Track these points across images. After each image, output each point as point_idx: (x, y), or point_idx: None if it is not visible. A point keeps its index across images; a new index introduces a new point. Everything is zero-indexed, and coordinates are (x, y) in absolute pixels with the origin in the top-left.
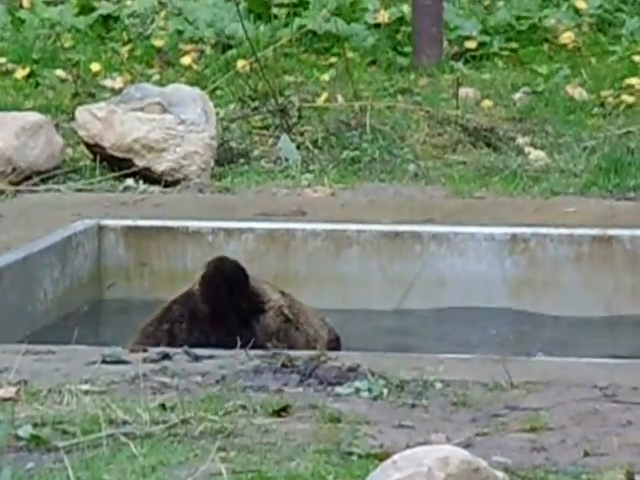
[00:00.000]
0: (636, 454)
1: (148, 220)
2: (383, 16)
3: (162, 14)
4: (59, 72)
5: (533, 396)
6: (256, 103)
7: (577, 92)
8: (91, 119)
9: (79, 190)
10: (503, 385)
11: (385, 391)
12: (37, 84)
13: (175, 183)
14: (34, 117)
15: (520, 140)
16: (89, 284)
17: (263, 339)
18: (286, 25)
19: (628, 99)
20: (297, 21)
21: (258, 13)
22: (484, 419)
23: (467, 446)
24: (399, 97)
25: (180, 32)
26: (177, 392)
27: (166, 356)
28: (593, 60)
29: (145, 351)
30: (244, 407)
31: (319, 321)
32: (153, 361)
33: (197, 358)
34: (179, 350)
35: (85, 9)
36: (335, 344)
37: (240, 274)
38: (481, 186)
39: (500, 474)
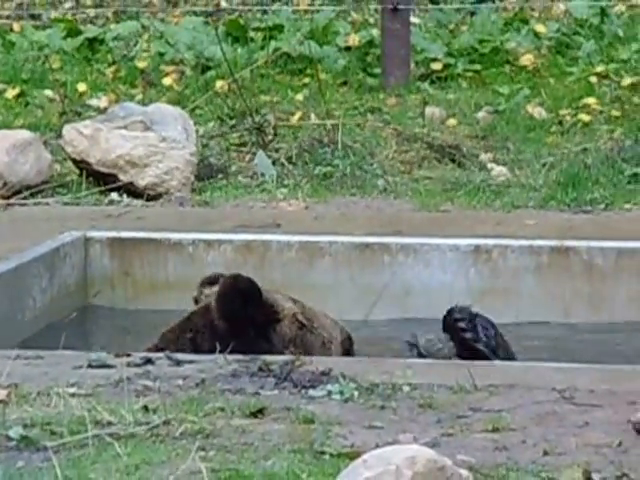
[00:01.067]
0: (593, 454)
1: (131, 232)
2: (354, 39)
3: (145, 37)
4: (47, 92)
5: (495, 398)
6: (234, 121)
7: (537, 111)
8: (78, 136)
9: (66, 204)
10: (467, 388)
11: (356, 394)
12: (27, 103)
13: (157, 197)
14: (24, 135)
15: (483, 156)
16: (76, 293)
17: (281, 347)
18: (262, 48)
19: (585, 118)
20: (272, 44)
21: (236, 36)
22: (449, 420)
23: (433, 446)
24: (369, 116)
25: (162, 54)
26: (159, 395)
27: (149, 361)
28: (552, 81)
29: (129, 356)
30: (223, 409)
31: (331, 322)
32: (136, 365)
33: (178, 363)
34: (161, 355)
35: (72, 32)
36: (348, 343)
37: (253, 289)
38: (446, 200)
39: (464, 472)
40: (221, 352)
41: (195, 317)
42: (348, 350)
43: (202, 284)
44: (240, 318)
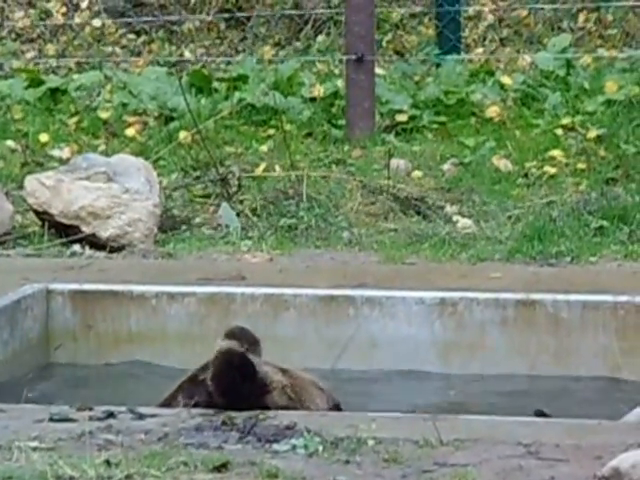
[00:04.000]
0: None
1: (94, 284)
2: (318, 90)
3: (108, 87)
4: (9, 142)
5: (461, 453)
6: (198, 173)
7: (502, 163)
8: (40, 187)
9: (28, 255)
10: (433, 442)
11: (320, 448)
12: None
13: (120, 249)
14: None
15: (448, 209)
16: (37, 346)
17: None
18: (226, 98)
19: (551, 170)
20: (237, 95)
21: (199, 87)
22: (414, 475)
23: None
24: (334, 167)
25: (125, 105)
26: (122, 449)
27: (111, 414)
28: (517, 133)
29: (91, 409)
30: (185, 463)
31: (317, 391)
32: (98, 419)
33: (141, 416)
34: (123, 408)
35: (34, 82)
36: (336, 410)
37: (247, 364)
38: (411, 252)
39: None
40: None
41: (197, 380)
42: None
43: (223, 335)
44: (236, 393)
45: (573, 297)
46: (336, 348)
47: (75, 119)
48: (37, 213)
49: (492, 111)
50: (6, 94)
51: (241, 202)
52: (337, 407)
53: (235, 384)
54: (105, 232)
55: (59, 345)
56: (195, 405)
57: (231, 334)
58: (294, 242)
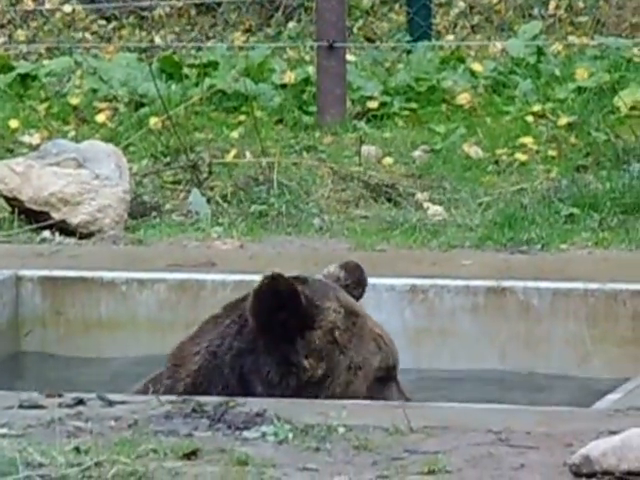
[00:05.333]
0: None
1: (64, 271)
2: (289, 77)
3: (78, 73)
4: None
5: (431, 440)
6: (168, 159)
7: (473, 150)
8: (9, 174)
9: None
10: (403, 430)
11: (290, 435)
12: None
13: (90, 235)
14: None
15: (419, 196)
16: (7, 332)
17: (302, 355)
18: (197, 84)
19: (521, 157)
20: (207, 81)
21: (170, 73)
22: (384, 462)
23: None
24: (304, 154)
25: (95, 91)
26: (91, 436)
27: (81, 401)
28: (488, 120)
29: (60, 396)
30: (155, 451)
31: (375, 347)
32: (68, 406)
33: (111, 403)
34: (93, 395)
35: (4, 68)
36: (385, 372)
37: (292, 294)
38: (382, 239)
39: None
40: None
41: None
42: (382, 379)
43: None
44: (271, 320)
45: (543, 284)
46: None
47: (45, 105)
48: (7, 199)
49: (463, 98)
50: None
51: (211, 189)
52: (388, 369)
53: (271, 310)
54: (75, 218)
55: (29, 331)
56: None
57: (345, 265)
58: (264, 229)
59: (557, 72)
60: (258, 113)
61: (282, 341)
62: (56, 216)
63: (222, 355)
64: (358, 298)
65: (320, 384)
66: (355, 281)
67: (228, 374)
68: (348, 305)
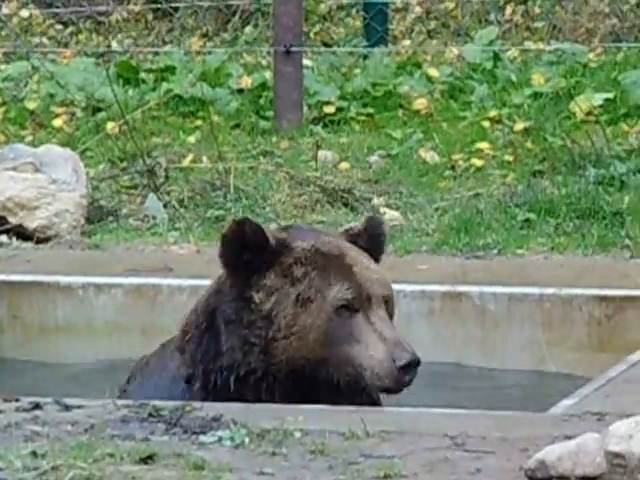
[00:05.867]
0: None
1: (21, 275)
2: (246, 82)
3: (35, 78)
4: None
5: (387, 445)
6: (125, 164)
7: (429, 156)
8: None
9: None
10: (359, 434)
11: (247, 440)
12: None
13: (47, 240)
14: None
15: (376, 201)
16: None
17: (254, 289)
18: (154, 89)
19: (477, 162)
20: (164, 86)
21: (127, 78)
22: (341, 467)
23: None
24: (261, 159)
25: (52, 95)
26: (48, 440)
27: (37, 406)
28: (444, 125)
29: (17, 400)
30: (112, 455)
31: (337, 279)
32: (25, 410)
33: (67, 407)
34: (50, 400)
35: None
36: (345, 302)
37: (256, 235)
38: None
39: None
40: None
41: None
42: (345, 309)
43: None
44: (236, 261)
45: (499, 289)
46: None
47: (2, 109)
48: None
49: (419, 103)
50: None
51: (168, 193)
52: (347, 307)
53: (237, 254)
54: (32, 223)
55: None
56: None
57: (369, 218)
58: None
59: (513, 77)
60: (215, 118)
61: (243, 279)
62: (13, 220)
63: (201, 298)
64: (379, 253)
65: (268, 317)
66: (372, 234)
67: (200, 314)
68: (323, 245)
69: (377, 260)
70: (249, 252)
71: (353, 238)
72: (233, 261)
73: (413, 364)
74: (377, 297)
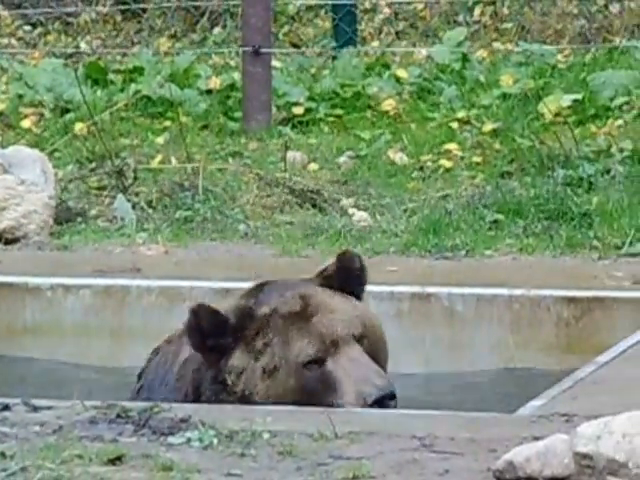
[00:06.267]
0: None
1: None
2: (215, 82)
3: (3, 79)
4: None
5: (356, 446)
6: (93, 164)
7: (398, 157)
8: None
9: None
10: (328, 435)
11: (215, 441)
12: None
13: (15, 241)
14: None
15: (344, 202)
16: None
17: (225, 372)
18: (122, 90)
19: (446, 164)
20: (133, 86)
21: (95, 79)
22: (309, 468)
23: None
24: (230, 160)
25: (20, 96)
26: (16, 441)
27: (6, 407)
28: (413, 126)
29: None
30: (80, 456)
31: (297, 337)
32: None
33: (35, 409)
34: (18, 401)
35: None
36: (312, 357)
37: (213, 321)
38: (307, 245)
39: None
40: None
41: None
42: (314, 363)
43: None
44: (205, 350)
45: (468, 290)
46: None
47: None
48: None
49: (388, 104)
50: None
51: (137, 194)
52: (307, 367)
53: (200, 342)
54: (0, 224)
55: None
56: None
57: (341, 255)
58: (190, 234)
59: (482, 78)
60: (183, 119)
61: (215, 363)
62: None
63: (189, 366)
64: (358, 287)
65: (243, 398)
66: (345, 271)
67: (189, 384)
68: (285, 305)
69: (358, 296)
70: (210, 338)
71: (327, 280)
72: (200, 348)
73: (387, 397)
74: (344, 339)
